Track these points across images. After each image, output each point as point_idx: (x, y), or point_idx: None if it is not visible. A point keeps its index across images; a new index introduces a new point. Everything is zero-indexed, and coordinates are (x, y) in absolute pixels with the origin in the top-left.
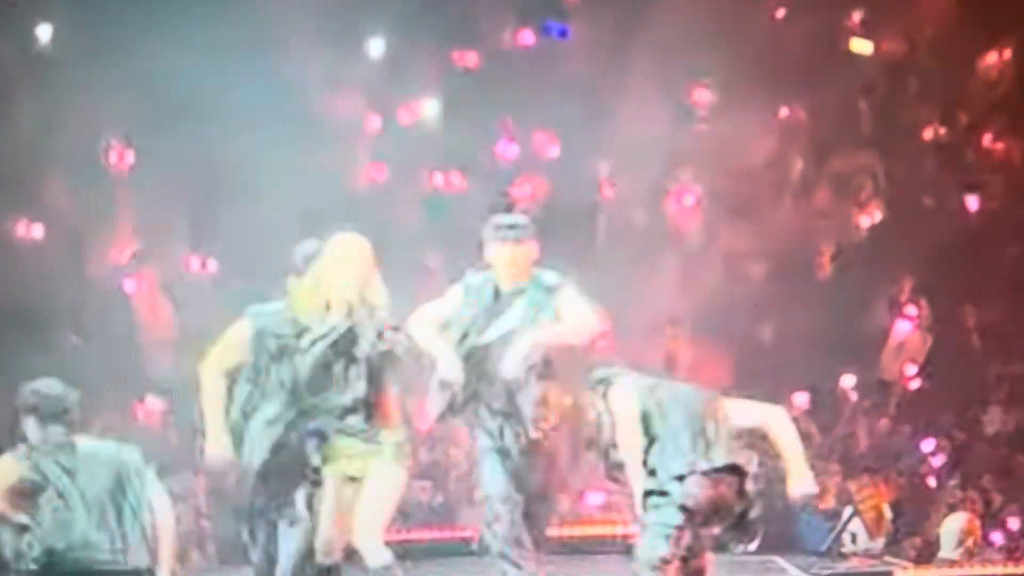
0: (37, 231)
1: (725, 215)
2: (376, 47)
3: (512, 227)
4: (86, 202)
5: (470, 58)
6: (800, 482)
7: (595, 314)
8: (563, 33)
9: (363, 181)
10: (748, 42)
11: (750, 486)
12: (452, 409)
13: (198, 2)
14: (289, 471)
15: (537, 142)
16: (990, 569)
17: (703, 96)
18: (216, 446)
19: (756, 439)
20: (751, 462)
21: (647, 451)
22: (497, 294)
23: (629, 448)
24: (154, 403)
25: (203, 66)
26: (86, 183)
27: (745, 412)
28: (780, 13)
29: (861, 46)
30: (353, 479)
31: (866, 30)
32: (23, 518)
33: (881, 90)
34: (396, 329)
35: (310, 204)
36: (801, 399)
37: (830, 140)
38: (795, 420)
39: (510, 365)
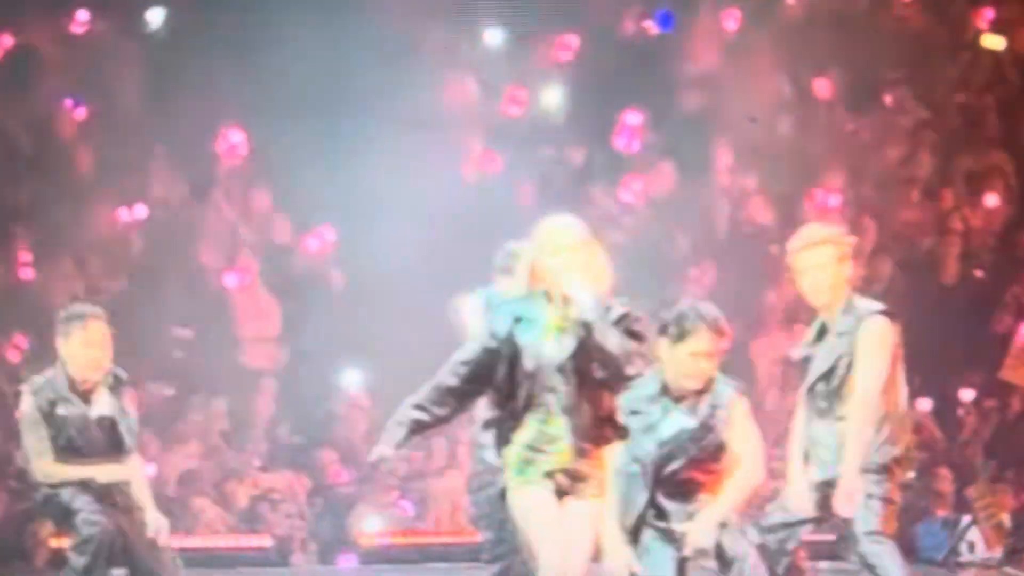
0: (140, 213)
1: (850, 214)
2: (492, 35)
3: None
4: (194, 190)
5: (586, 45)
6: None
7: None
8: (667, 20)
9: (476, 169)
10: (873, 36)
11: None
12: None
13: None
14: None
15: (657, 133)
16: None
17: (824, 88)
18: None
19: None
20: None
21: None
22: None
23: None
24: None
25: (318, 53)
26: (195, 171)
27: None
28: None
29: (993, 42)
30: None
31: (997, 27)
32: None
33: (1012, 87)
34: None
35: (425, 193)
36: (925, 403)
37: (958, 138)
38: (919, 424)
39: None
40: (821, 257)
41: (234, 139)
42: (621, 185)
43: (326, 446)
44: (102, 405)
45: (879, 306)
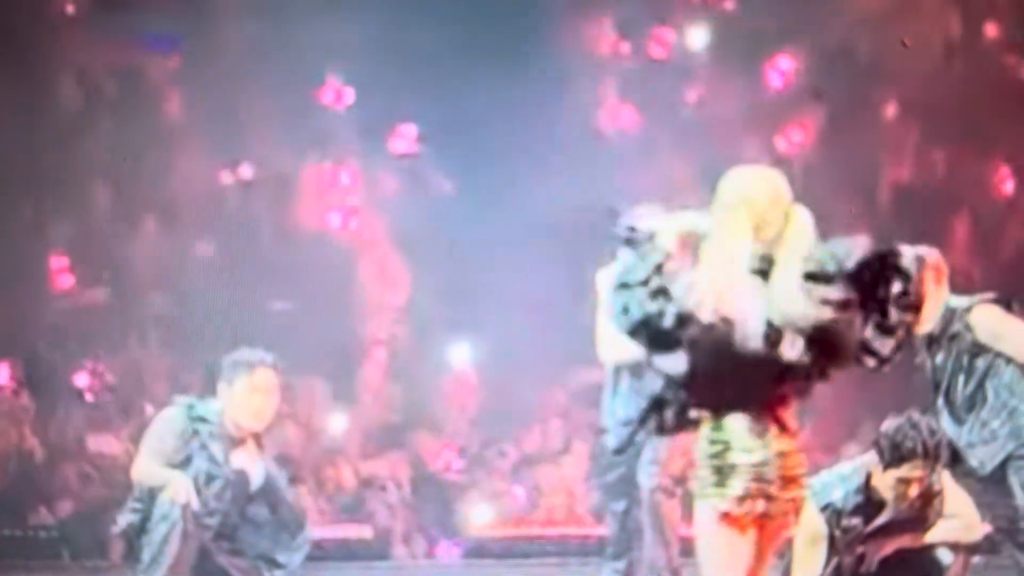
0: (245, 173)
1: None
2: None
3: None
4: (299, 142)
5: None
6: None
7: None
8: None
9: (611, 122)
10: None
11: None
12: None
13: None
14: None
15: (800, 79)
16: None
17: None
18: None
19: None
20: None
21: None
22: None
23: None
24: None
25: None
26: (300, 122)
27: None
28: None
29: None
30: None
31: None
32: None
33: None
34: None
35: (551, 144)
36: None
37: None
38: None
39: None
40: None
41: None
42: (776, 135)
43: (431, 429)
44: (246, 462)
45: (972, 299)
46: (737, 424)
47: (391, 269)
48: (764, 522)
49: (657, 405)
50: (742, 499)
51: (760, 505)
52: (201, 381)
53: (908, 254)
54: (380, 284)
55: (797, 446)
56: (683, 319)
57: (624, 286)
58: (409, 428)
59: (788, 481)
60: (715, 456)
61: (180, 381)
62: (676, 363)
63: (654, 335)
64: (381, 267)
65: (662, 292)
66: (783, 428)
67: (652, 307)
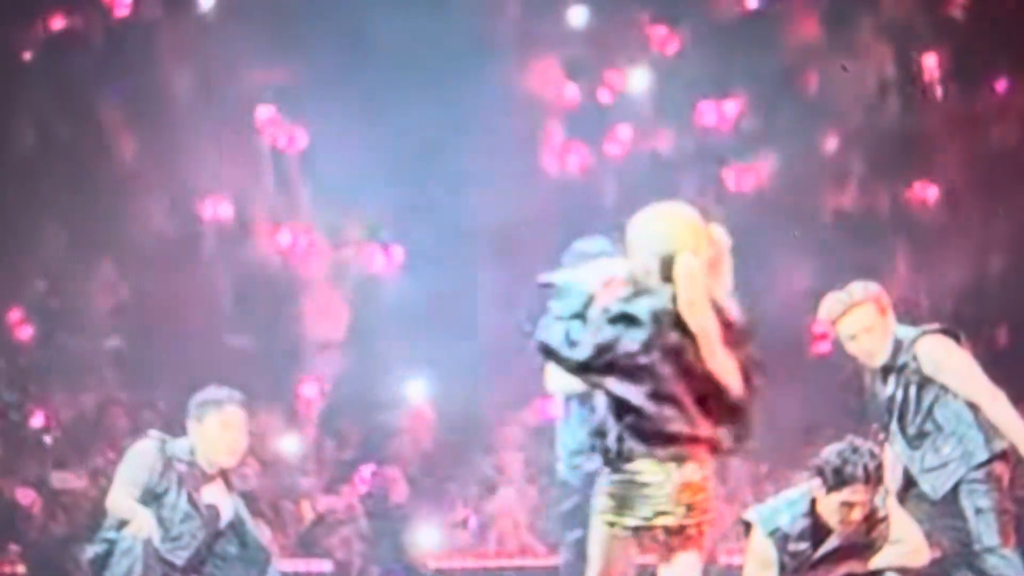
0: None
1: (962, 205)
2: (578, 15)
3: None
4: (246, 181)
5: (680, 29)
6: None
7: None
8: None
9: (559, 159)
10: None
11: None
12: None
13: None
14: None
15: (748, 121)
16: None
17: (930, 66)
18: None
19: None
20: None
21: None
22: None
23: None
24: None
25: (385, 39)
26: (247, 160)
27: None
28: None
29: None
30: None
31: None
32: None
33: None
34: None
35: (504, 184)
36: None
37: None
38: None
39: None
40: (865, 319)
41: (292, 131)
42: (716, 174)
43: (387, 462)
44: (217, 497)
45: (919, 329)
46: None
47: (335, 307)
48: (664, 545)
49: (599, 434)
50: (640, 528)
51: (660, 535)
52: (160, 418)
53: (853, 289)
54: (325, 321)
55: (705, 475)
56: (647, 345)
57: (560, 320)
58: (365, 462)
59: (691, 508)
60: (619, 484)
61: (140, 418)
62: (630, 391)
63: (614, 362)
64: (326, 305)
65: (624, 318)
66: (715, 450)
67: (611, 333)
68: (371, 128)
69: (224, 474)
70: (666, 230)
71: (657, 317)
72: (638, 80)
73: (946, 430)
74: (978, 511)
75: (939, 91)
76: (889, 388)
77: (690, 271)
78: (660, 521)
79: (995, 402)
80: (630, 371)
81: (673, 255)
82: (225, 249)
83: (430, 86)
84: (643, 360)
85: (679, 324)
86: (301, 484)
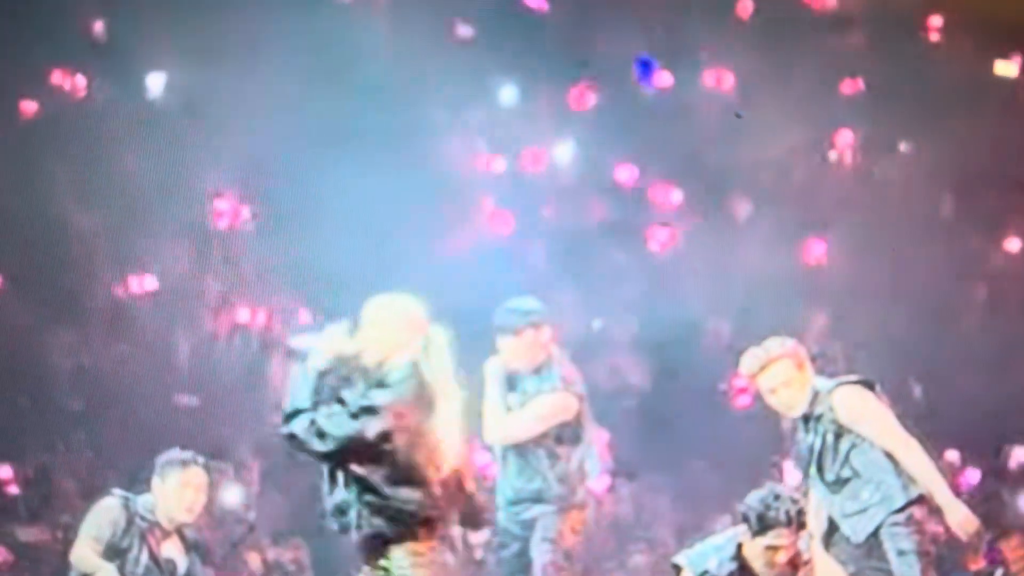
0: (150, 284)
1: (865, 257)
2: (507, 93)
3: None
4: (197, 260)
5: (596, 100)
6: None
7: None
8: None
9: (488, 228)
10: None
11: None
12: None
13: (319, 50)
14: None
15: (662, 191)
16: None
17: (844, 138)
18: None
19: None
20: None
21: None
22: None
23: None
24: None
25: (322, 115)
26: (198, 239)
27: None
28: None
29: (1006, 69)
30: None
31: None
32: None
33: None
34: None
35: (437, 254)
36: (953, 455)
37: (976, 174)
38: (948, 478)
39: None
40: (783, 373)
41: (235, 206)
42: (639, 240)
43: None
44: (174, 551)
45: (835, 382)
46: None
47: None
48: None
49: (340, 511)
50: None
51: None
52: (119, 476)
53: (770, 344)
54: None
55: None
56: (385, 434)
57: (298, 412)
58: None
59: None
60: None
61: (99, 476)
62: (370, 472)
63: (358, 449)
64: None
65: (366, 410)
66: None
67: (355, 425)
68: (312, 206)
69: (180, 529)
70: (394, 321)
71: (395, 405)
72: (562, 151)
73: (864, 476)
74: (900, 553)
75: (847, 158)
76: (808, 436)
77: (441, 345)
78: None
79: (909, 450)
80: (371, 455)
81: (399, 344)
82: (177, 316)
83: (369, 163)
84: (383, 447)
85: (417, 409)
86: (252, 536)
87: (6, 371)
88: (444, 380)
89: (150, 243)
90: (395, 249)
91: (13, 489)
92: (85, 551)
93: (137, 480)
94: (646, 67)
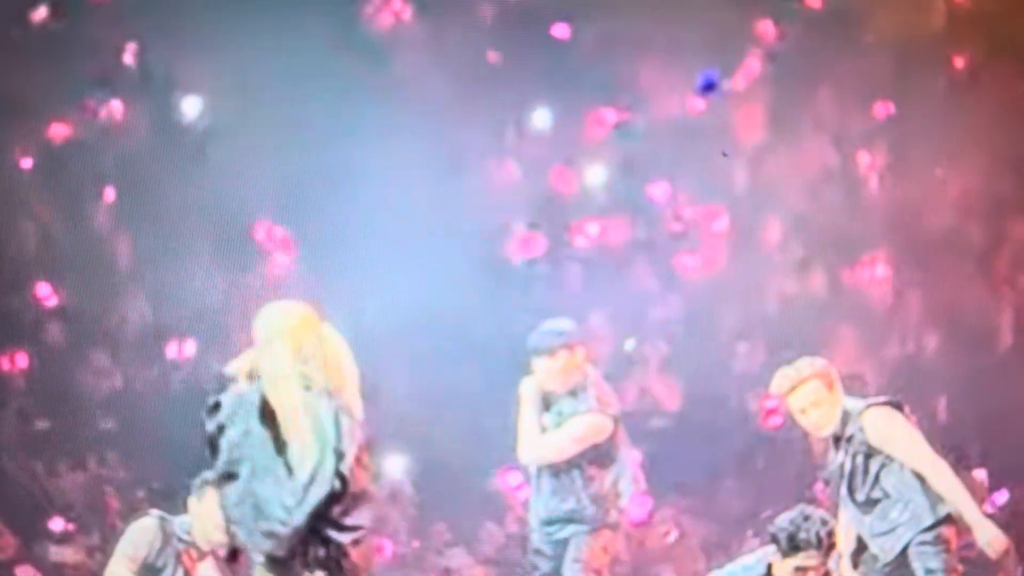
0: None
1: (900, 285)
2: (539, 116)
3: None
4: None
5: (634, 122)
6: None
7: None
8: (710, 86)
9: (520, 252)
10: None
11: None
12: None
13: (354, 74)
14: None
15: (704, 212)
16: None
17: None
18: None
19: None
20: None
21: None
22: None
23: None
24: None
25: (358, 138)
26: (235, 264)
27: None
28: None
29: None
30: None
31: None
32: None
33: None
34: None
35: (465, 276)
36: (980, 475)
37: (1009, 201)
38: (978, 498)
39: None
40: (813, 394)
41: (274, 232)
42: (671, 261)
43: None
44: (209, 573)
45: (865, 402)
46: None
47: None
48: None
49: None
50: None
51: None
52: (150, 496)
53: (801, 364)
54: None
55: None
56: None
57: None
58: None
59: None
60: None
61: (130, 497)
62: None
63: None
64: None
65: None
66: None
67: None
68: (349, 229)
69: (215, 551)
70: (270, 325)
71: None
72: (595, 174)
73: (893, 496)
74: (928, 572)
75: (875, 181)
76: (839, 457)
77: (271, 353)
78: None
79: (937, 470)
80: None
81: (298, 351)
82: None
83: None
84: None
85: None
86: None
87: (41, 389)
88: (338, 378)
89: (186, 266)
90: (430, 269)
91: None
92: (119, 571)
93: (173, 500)
94: (710, 82)
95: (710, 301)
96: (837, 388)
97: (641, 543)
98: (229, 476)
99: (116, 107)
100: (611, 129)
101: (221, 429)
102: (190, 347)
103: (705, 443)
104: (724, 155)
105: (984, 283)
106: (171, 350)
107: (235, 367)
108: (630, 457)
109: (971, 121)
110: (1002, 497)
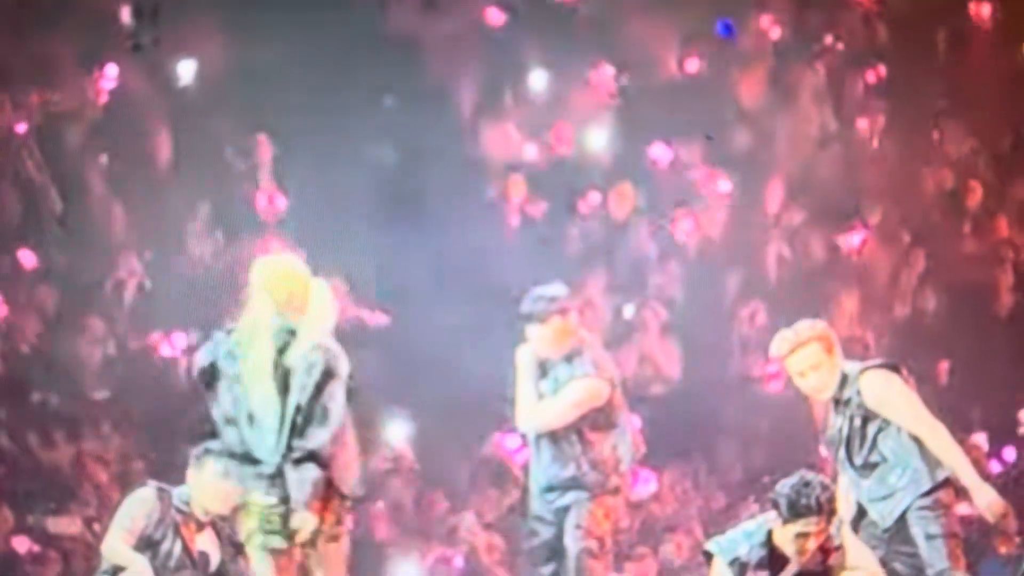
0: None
1: (900, 246)
2: (537, 78)
3: None
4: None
5: (627, 84)
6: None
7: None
8: (729, 30)
9: (520, 213)
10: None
11: None
12: None
13: (348, 32)
14: None
15: (703, 174)
16: None
17: (867, 123)
18: None
19: None
20: None
21: None
22: None
23: None
24: None
25: (354, 101)
26: (233, 228)
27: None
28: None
29: None
30: None
31: None
32: None
33: None
34: None
35: (472, 242)
36: (980, 439)
37: (1010, 164)
38: (975, 461)
39: None
40: (812, 356)
41: (271, 195)
42: (667, 225)
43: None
44: (208, 544)
45: (861, 365)
46: None
47: None
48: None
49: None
50: None
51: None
52: (146, 466)
53: (800, 327)
54: None
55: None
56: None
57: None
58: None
59: None
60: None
61: (127, 468)
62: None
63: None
64: None
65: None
66: None
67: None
68: (346, 188)
69: (214, 521)
70: (259, 276)
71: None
72: (593, 135)
73: (891, 461)
74: (928, 537)
75: (875, 143)
76: (837, 421)
77: (255, 304)
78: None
79: (935, 433)
80: None
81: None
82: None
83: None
84: None
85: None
86: None
87: (36, 358)
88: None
89: (179, 230)
90: (426, 234)
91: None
92: (117, 542)
93: (172, 471)
94: (728, 27)
95: (710, 264)
96: (836, 351)
97: (642, 509)
98: (229, 421)
99: (110, 71)
100: (611, 92)
101: (214, 377)
102: (186, 314)
103: (705, 409)
104: (708, 137)
105: (983, 244)
106: (167, 316)
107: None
108: (630, 423)
109: (970, 81)
110: (1010, 454)
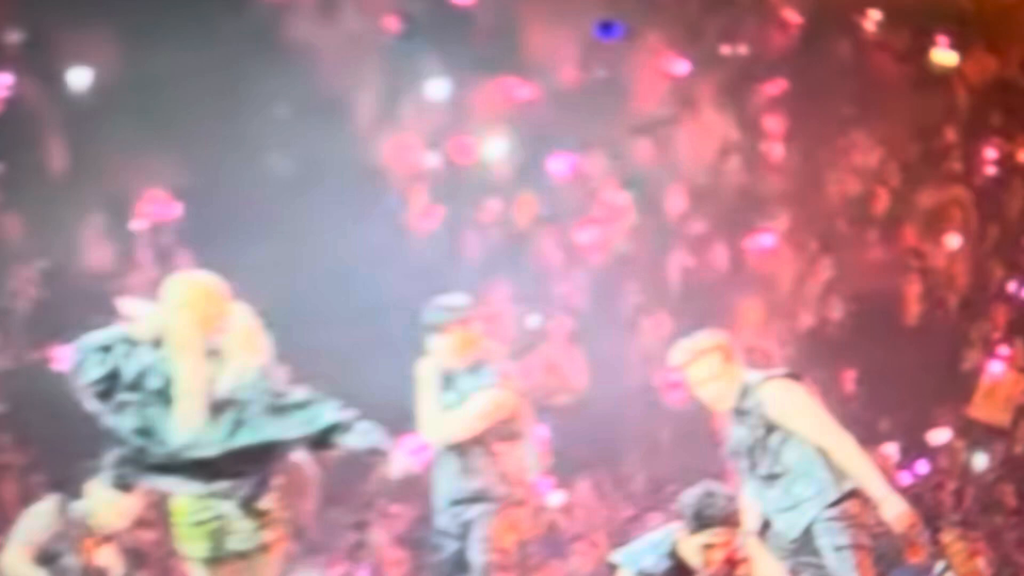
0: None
1: (805, 254)
2: (437, 87)
3: None
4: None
5: (531, 92)
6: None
7: None
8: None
9: (421, 224)
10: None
11: None
12: None
13: (247, 46)
14: None
15: (605, 182)
16: None
17: (773, 124)
18: None
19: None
20: None
21: None
22: None
23: None
24: None
25: (250, 111)
26: (123, 237)
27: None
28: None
29: (944, 58)
30: None
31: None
32: None
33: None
34: None
35: (369, 251)
36: (890, 449)
37: (917, 171)
38: (885, 471)
39: None
40: (711, 366)
41: (162, 202)
42: (570, 235)
43: None
44: (109, 558)
45: (763, 375)
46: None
47: None
48: None
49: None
50: None
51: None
52: (49, 480)
53: (699, 337)
54: None
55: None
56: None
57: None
58: None
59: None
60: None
61: (27, 482)
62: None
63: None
64: None
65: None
66: None
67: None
68: (240, 198)
69: (114, 535)
70: (177, 293)
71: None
72: (494, 144)
73: (796, 471)
74: (836, 548)
75: (779, 151)
76: (739, 432)
77: (177, 321)
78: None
79: (841, 445)
80: None
81: (204, 321)
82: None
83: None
84: None
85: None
86: None
87: None
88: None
89: (74, 239)
90: (323, 244)
91: None
92: (15, 558)
93: (73, 484)
94: (608, 27)
95: (614, 274)
96: (736, 361)
97: (546, 520)
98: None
99: (4, 80)
100: (511, 100)
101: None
102: (83, 323)
103: (611, 419)
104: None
105: (890, 252)
106: (63, 326)
107: (138, 331)
108: (535, 433)
109: (875, 87)
110: (923, 467)
